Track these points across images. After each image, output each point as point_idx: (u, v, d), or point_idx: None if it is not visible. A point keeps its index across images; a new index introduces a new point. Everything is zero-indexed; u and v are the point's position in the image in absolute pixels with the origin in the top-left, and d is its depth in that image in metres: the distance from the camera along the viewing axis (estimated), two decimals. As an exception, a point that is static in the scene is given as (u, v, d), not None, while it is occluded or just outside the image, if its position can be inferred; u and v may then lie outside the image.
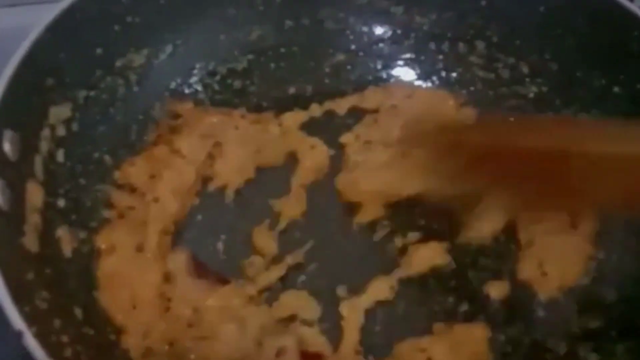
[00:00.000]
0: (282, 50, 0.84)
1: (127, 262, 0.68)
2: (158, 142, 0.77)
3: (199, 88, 0.82)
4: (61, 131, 0.69)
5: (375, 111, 0.82)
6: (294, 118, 0.82)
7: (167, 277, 0.67)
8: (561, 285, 0.67)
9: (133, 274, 0.67)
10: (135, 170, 0.74)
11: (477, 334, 0.65)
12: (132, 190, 0.73)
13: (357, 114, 0.82)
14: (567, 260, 0.68)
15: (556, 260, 0.68)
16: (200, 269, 0.68)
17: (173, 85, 0.80)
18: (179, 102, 0.80)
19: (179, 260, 0.68)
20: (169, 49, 0.79)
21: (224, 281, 0.67)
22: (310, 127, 0.81)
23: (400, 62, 0.85)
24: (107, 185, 0.72)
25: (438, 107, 0.82)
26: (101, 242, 0.69)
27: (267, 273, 0.69)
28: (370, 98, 0.83)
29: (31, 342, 0.49)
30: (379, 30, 0.84)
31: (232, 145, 0.78)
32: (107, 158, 0.73)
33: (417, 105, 0.82)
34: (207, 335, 0.63)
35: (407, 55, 0.84)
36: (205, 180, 0.76)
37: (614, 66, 0.71)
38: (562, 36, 0.74)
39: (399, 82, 0.85)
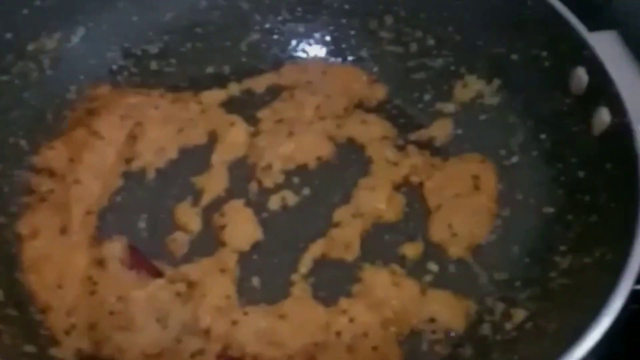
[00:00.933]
0: (198, 30, 0.85)
1: (52, 245, 0.68)
2: (76, 125, 0.77)
3: (115, 70, 0.82)
4: (-27, 117, 0.69)
5: (292, 88, 0.84)
6: (213, 96, 0.83)
7: (99, 262, 0.68)
8: (470, 244, 0.72)
9: (58, 255, 0.68)
10: (54, 154, 0.74)
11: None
12: (52, 174, 0.73)
13: (274, 91, 0.84)
14: (474, 220, 0.72)
15: (464, 221, 0.72)
16: (136, 259, 0.69)
17: (88, 68, 0.80)
18: (96, 86, 0.80)
19: (114, 249, 0.69)
20: (81, 31, 0.79)
21: (156, 274, 0.68)
22: (229, 105, 0.82)
23: (314, 40, 0.87)
24: (25, 170, 0.73)
25: (351, 84, 0.84)
26: (23, 227, 0.69)
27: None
28: (286, 75, 0.85)
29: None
30: (291, 9, 0.86)
31: (153, 125, 0.79)
32: (23, 143, 0.74)
33: (331, 81, 0.84)
34: (127, 326, 0.64)
35: (321, 33, 0.86)
36: (127, 160, 0.77)
37: (511, 35, 0.75)
38: (463, 8, 0.78)
39: (314, 59, 0.87)
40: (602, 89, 0.65)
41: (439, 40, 0.82)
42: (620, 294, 0.53)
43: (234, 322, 0.65)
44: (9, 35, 0.72)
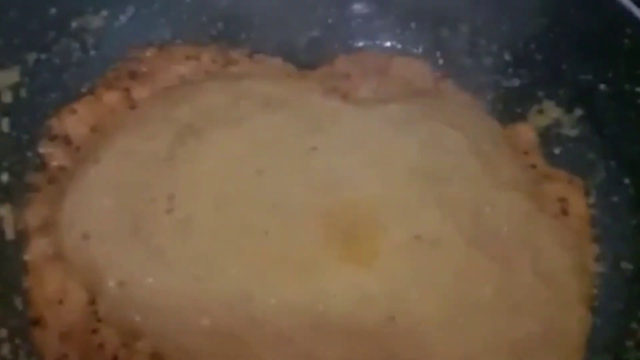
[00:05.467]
0: (255, 20, 0.78)
1: None
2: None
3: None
4: (7, 98, 0.64)
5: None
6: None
7: None
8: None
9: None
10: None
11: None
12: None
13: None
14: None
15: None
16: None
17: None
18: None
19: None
20: (130, 11, 0.74)
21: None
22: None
23: (379, 41, 0.80)
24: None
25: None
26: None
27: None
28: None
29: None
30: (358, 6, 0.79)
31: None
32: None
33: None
34: None
35: (387, 34, 0.79)
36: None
37: (602, 62, 0.67)
38: (549, 25, 0.70)
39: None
40: None
41: (516, 57, 0.74)
42: None
43: None
44: (53, 10, 0.68)
